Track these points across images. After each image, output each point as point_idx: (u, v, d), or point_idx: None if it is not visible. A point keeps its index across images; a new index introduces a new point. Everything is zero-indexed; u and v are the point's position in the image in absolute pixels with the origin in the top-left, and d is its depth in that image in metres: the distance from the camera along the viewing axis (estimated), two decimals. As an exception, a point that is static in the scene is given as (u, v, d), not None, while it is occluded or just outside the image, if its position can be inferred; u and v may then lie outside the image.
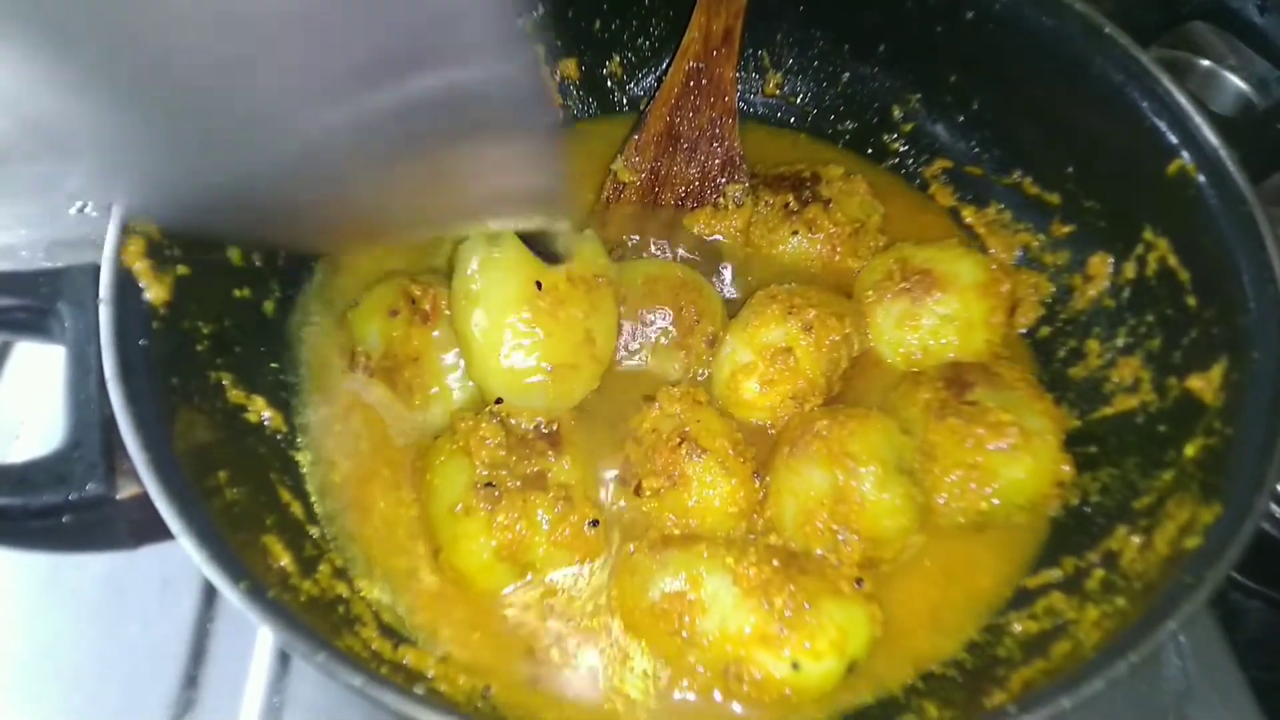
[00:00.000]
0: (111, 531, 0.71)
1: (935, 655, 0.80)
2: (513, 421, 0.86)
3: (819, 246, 1.01)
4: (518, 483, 0.81)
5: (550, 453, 0.84)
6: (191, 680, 0.90)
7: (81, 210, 1.10)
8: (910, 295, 0.94)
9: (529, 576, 0.83)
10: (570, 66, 1.13)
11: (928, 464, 0.85)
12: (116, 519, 0.71)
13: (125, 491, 0.70)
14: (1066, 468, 0.85)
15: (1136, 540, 0.78)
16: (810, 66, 1.15)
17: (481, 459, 0.82)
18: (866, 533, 0.80)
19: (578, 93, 1.15)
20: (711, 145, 1.06)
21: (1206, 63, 1.49)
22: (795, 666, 0.73)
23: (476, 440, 0.83)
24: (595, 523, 0.83)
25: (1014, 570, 0.85)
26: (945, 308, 0.93)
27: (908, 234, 1.03)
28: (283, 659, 0.91)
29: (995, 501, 0.84)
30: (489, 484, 0.81)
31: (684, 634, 0.77)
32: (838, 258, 1.01)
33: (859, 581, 0.78)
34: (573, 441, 0.87)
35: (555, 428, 0.87)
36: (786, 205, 1.02)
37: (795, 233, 1.01)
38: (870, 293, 0.97)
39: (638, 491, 0.85)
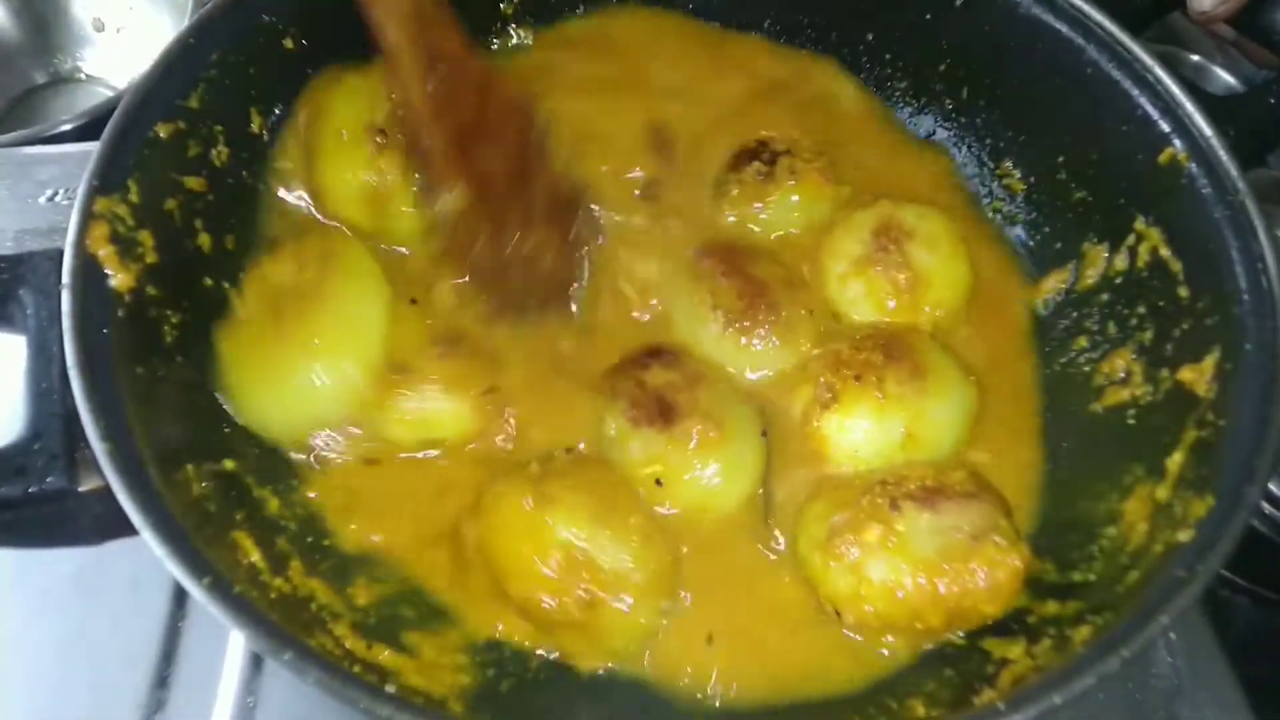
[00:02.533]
0: (74, 526, 0.70)
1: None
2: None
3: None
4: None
5: None
6: (163, 680, 0.88)
7: (52, 199, 1.07)
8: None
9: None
10: None
11: None
12: (79, 513, 0.69)
13: (88, 484, 0.69)
14: None
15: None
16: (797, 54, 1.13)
17: (384, 110, 0.85)
18: None
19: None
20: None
21: (1196, 57, 1.49)
22: None
23: (391, 91, 0.83)
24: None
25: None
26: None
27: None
28: (256, 660, 0.89)
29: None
30: (383, 130, 0.86)
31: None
32: None
33: None
34: None
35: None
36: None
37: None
38: None
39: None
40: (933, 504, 0.76)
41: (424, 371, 0.83)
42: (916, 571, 0.74)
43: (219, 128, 0.85)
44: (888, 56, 1.08)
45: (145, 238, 0.76)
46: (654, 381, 0.85)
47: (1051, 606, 0.76)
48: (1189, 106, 0.84)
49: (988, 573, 0.73)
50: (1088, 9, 0.90)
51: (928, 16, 1.01)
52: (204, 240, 0.84)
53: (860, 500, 0.78)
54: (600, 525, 0.76)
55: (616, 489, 0.81)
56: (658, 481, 0.82)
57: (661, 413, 0.83)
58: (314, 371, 0.79)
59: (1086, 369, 0.92)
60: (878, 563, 0.75)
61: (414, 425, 0.83)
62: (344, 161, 0.88)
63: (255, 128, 0.89)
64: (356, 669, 0.68)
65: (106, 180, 0.75)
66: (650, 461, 0.82)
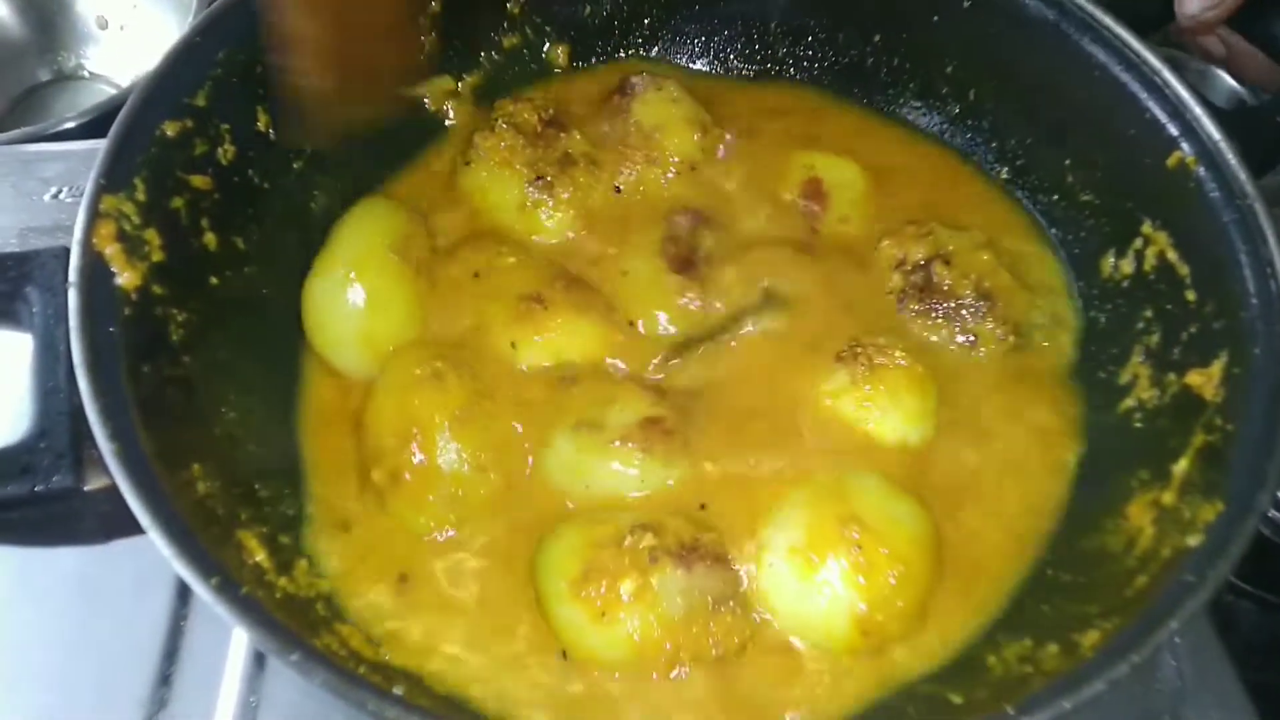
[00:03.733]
0: (80, 525, 0.70)
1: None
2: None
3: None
4: (554, 168, 0.96)
5: (561, 134, 0.98)
6: (165, 679, 0.87)
7: (56, 196, 1.07)
8: None
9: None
10: (561, 54, 1.11)
11: None
12: (85, 512, 0.69)
13: (94, 483, 0.68)
14: None
15: (1136, 539, 0.77)
16: (805, 56, 1.12)
17: (521, 163, 0.95)
18: None
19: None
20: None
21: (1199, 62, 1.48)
22: None
23: (510, 152, 0.95)
24: (618, 189, 0.99)
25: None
26: None
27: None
28: (259, 658, 0.88)
29: None
30: (539, 177, 0.96)
31: None
32: None
33: None
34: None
35: (551, 111, 0.99)
36: None
37: None
38: None
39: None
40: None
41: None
42: None
43: (225, 126, 0.84)
44: (895, 60, 1.08)
45: (152, 236, 0.76)
46: None
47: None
48: (1197, 110, 0.84)
49: None
50: (1095, 12, 0.90)
51: (935, 18, 1.01)
52: (210, 239, 0.84)
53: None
54: None
55: None
56: None
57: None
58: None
59: (1093, 373, 0.92)
60: None
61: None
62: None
63: (262, 126, 0.88)
64: (363, 670, 0.68)
65: (113, 178, 0.75)
66: None
